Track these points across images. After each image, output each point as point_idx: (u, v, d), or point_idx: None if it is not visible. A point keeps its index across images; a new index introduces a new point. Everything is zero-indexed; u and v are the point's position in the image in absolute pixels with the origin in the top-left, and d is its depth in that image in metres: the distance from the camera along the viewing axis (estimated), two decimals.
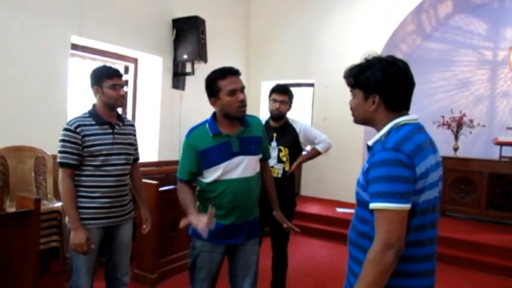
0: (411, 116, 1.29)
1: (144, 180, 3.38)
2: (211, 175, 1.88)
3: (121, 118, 2.22)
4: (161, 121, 5.25)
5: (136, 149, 2.35)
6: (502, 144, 5.28)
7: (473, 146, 6.05)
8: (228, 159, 1.86)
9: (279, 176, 2.77)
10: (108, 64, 2.28)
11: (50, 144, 3.61)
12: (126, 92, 2.18)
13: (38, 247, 2.41)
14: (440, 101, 6.55)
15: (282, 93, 2.82)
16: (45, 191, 3.45)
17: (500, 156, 5.29)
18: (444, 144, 5.87)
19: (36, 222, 2.35)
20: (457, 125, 5.45)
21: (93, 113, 2.10)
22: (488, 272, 3.89)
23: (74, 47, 4.21)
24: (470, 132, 5.53)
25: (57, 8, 3.93)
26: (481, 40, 6.35)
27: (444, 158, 5.36)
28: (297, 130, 2.87)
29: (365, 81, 1.28)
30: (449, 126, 5.50)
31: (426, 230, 1.22)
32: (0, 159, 3.28)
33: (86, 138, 2.02)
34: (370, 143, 1.29)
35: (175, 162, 5.19)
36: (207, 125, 1.91)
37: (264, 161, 2.10)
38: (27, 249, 2.30)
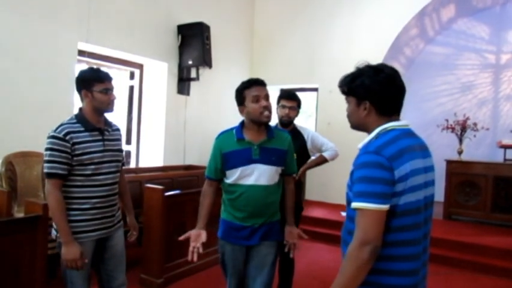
0: (401, 122, 1.34)
1: (150, 185, 3.44)
2: (231, 177, 2.03)
3: (108, 123, 2.10)
4: (167, 126, 5.29)
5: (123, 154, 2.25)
6: (506, 147, 5.29)
7: (478, 149, 6.04)
8: (246, 164, 1.99)
9: None
10: (95, 66, 2.12)
11: None
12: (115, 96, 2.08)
13: (46, 252, 2.42)
14: (444, 105, 6.56)
15: (291, 99, 2.84)
16: None
17: (505, 159, 5.29)
18: (448, 147, 5.88)
19: (44, 227, 2.37)
20: (461, 129, 5.44)
21: (81, 119, 1.96)
22: (494, 274, 3.87)
23: (81, 53, 4.27)
24: (474, 136, 5.53)
25: (65, 15, 3.99)
26: (483, 44, 6.37)
27: (449, 162, 5.37)
28: (305, 137, 2.89)
29: (356, 88, 1.35)
30: (453, 129, 5.49)
31: (409, 230, 1.26)
32: (8, 165, 3.31)
33: (76, 146, 1.89)
34: (360, 145, 1.35)
35: (181, 167, 5.25)
36: (234, 130, 2.06)
37: (288, 176, 2.18)
38: (36, 254, 2.32)
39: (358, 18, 5.95)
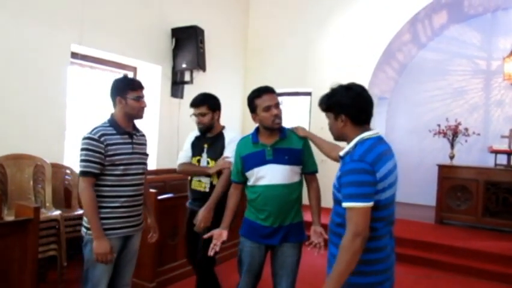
0: (373, 131, 1.60)
1: None
2: (251, 178, 2.18)
3: (136, 129, 2.27)
4: (160, 129, 5.27)
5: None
6: (496, 152, 5.35)
7: (469, 154, 6.10)
8: (261, 165, 2.12)
9: (207, 190, 2.63)
10: (129, 75, 2.27)
11: (49, 152, 3.62)
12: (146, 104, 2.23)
13: (36, 256, 2.41)
14: (436, 110, 6.63)
15: (197, 106, 2.69)
16: (44, 199, 3.45)
17: (496, 164, 5.34)
18: (440, 152, 5.94)
19: (35, 231, 2.35)
20: (453, 134, 5.50)
21: (113, 123, 2.14)
22: (485, 278, 3.91)
23: (74, 55, 4.23)
24: (466, 141, 5.59)
25: (58, 17, 3.96)
26: (475, 50, 6.45)
27: (441, 166, 5.42)
28: (226, 142, 2.64)
29: (332, 105, 1.63)
30: (445, 134, 5.55)
31: (386, 219, 1.56)
32: None
33: (109, 147, 2.05)
34: (341, 153, 1.61)
35: (174, 171, 5.21)
36: (251, 135, 2.22)
37: (309, 174, 2.25)
38: (26, 258, 2.30)
39: (351, 24, 6.00)
